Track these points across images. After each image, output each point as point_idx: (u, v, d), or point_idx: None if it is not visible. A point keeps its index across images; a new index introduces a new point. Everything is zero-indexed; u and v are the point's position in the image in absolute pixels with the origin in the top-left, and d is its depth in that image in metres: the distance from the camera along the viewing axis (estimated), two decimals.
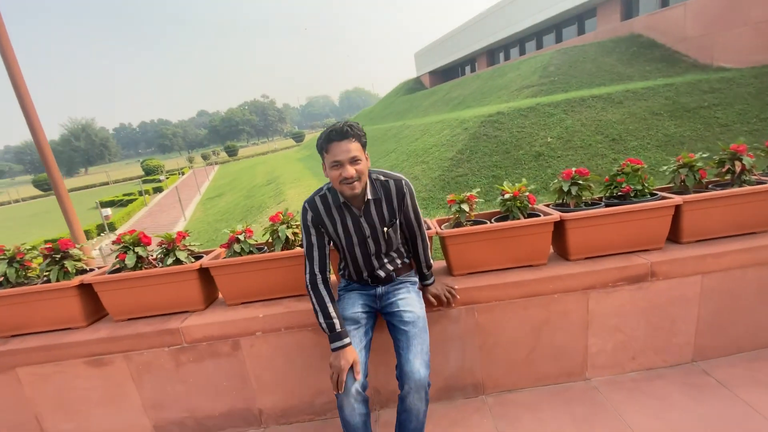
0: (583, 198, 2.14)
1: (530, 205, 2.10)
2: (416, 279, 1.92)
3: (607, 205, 2.08)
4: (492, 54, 21.48)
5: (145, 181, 28.85)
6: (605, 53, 11.09)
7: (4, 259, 2.23)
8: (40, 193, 37.01)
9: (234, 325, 2.03)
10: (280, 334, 2.04)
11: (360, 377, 1.58)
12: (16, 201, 34.05)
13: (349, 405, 1.55)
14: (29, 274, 2.25)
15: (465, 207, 2.05)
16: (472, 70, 23.36)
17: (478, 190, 2.20)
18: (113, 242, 2.26)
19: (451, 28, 23.85)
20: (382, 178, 1.71)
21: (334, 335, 1.63)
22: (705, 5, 9.83)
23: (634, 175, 2.09)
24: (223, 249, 2.18)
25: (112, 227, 13.98)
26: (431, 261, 1.92)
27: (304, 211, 1.71)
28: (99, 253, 7.71)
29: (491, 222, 2.14)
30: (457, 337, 2.06)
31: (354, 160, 1.54)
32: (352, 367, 1.58)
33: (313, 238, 1.73)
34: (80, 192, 33.97)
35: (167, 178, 28.00)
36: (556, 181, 2.21)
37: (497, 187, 2.17)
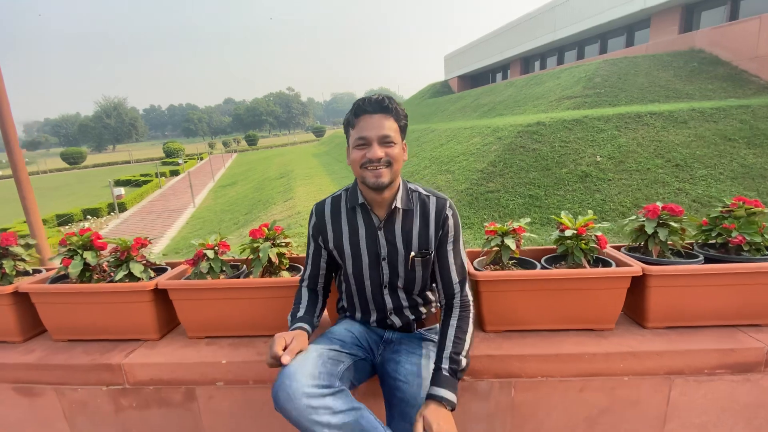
0: (669, 244, 1.58)
1: (599, 248, 1.54)
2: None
3: (708, 260, 1.51)
4: (527, 62, 20.65)
5: (164, 164, 29.07)
6: (660, 67, 10.17)
7: None
8: (67, 166, 38.06)
9: (188, 370, 1.55)
10: (247, 388, 1.55)
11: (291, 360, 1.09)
12: (44, 172, 34.98)
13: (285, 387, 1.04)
14: None
15: (510, 243, 1.51)
16: (504, 77, 22.57)
17: (529, 220, 1.65)
18: (60, 242, 1.81)
19: (484, 33, 23.07)
20: (422, 191, 1.32)
21: (291, 325, 1.29)
22: None
23: (749, 221, 1.51)
24: (190, 265, 1.70)
25: (123, 207, 13.86)
26: (465, 358, 1.19)
27: (311, 215, 1.38)
28: None
29: (541, 264, 1.60)
30: (483, 417, 1.52)
31: (385, 140, 1.17)
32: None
33: (311, 249, 1.39)
34: (103, 168, 34.61)
35: (185, 162, 28.05)
36: (633, 218, 1.65)
37: (553, 218, 1.63)
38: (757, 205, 1.53)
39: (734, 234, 1.50)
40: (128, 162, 37.30)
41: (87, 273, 1.74)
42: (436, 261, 1.31)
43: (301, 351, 1.13)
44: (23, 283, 1.67)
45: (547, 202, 5.51)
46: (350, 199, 1.29)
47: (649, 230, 1.55)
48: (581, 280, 1.46)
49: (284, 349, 1.10)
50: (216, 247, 1.69)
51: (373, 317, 1.35)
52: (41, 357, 1.64)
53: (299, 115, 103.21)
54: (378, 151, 1.15)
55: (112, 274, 1.74)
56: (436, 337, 1.38)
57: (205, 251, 1.65)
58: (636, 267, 1.46)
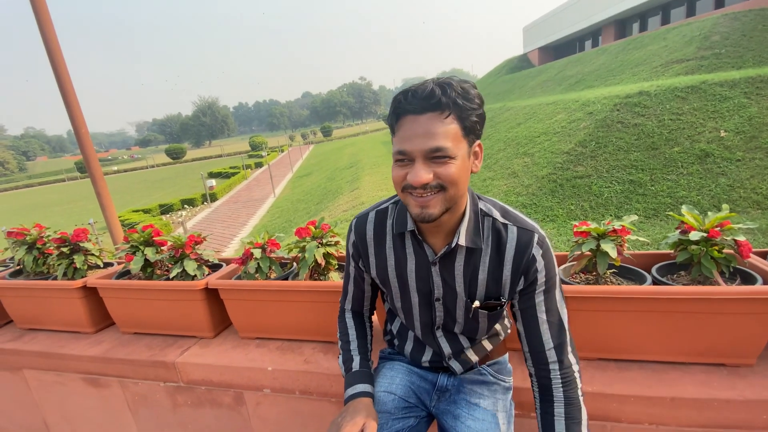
0: None
1: (740, 258, 1.13)
2: (510, 379, 1.12)
3: None
4: (622, 25, 18.12)
5: (250, 156, 31.52)
6: None
7: (24, 244, 2.01)
8: (170, 160, 43.46)
9: (236, 375, 1.50)
10: (293, 397, 1.46)
11: None
12: (151, 167, 40.41)
13: None
14: (51, 262, 2.01)
15: (609, 248, 1.16)
16: (595, 44, 20.12)
17: (636, 218, 1.27)
18: (123, 239, 1.88)
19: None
20: (498, 216, 0.92)
21: (348, 377, 1.03)
22: None
23: None
24: (239, 264, 1.63)
25: (214, 197, 15.27)
26: None
27: (349, 230, 1.08)
28: (182, 230, 8.16)
29: (652, 275, 1.23)
30: None
31: (436, 155, 0.79)
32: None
33: (352, 268, 1.12)
34: (200, 162, 38.76)
35: (268, 154, 30.11)
36: None
37: (669, 215, 1.22)
38: None
39: None
40: (220, 156, 41.27)
41: (149, 268, 1.77)
42: (519, 317, 0.95)
43: None
44: (91, 278, 1.75)
45: (654, 189, 4.52)
46: (398, 221, 0.96)
47: None
48: (714, 301, 1.07)
49: None
50: (265, 246, 1.60)
51: (426, 357, 1.09)
52: (107, 350, 1.71)
53: (371, 103, 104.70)
54: (422, 173, 0.78)
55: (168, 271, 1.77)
56: (505, 377, 1.11)
57: (252, 250, 1.56)
58: None
